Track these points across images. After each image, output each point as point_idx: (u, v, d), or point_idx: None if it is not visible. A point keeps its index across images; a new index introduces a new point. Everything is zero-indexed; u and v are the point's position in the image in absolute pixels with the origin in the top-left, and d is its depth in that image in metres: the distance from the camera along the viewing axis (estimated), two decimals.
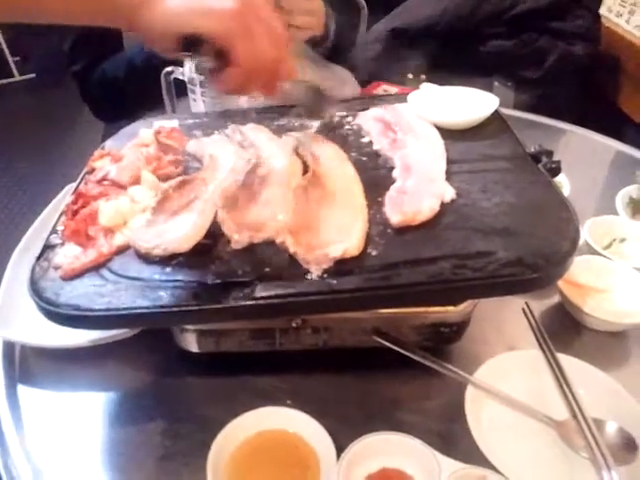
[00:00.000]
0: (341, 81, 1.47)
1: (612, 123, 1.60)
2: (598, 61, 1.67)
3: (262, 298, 0.55)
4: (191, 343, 0.69)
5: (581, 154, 1.29)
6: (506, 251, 0.58)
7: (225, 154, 0.75)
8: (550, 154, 0.74)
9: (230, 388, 0.70)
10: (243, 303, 0.55)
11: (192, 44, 0.58)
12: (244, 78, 0.59)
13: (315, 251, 0.58)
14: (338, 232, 0.61)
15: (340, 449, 0.58)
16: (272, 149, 0.76)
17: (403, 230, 0.62)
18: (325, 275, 0.57)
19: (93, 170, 0.77)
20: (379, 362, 0.70)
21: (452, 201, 0.66)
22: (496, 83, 1.68)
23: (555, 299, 0.83)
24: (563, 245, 0.58)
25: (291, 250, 0.59)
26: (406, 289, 0.55)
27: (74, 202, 0.69)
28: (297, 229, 0.60)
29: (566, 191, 0.99)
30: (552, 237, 0.59)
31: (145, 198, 0.69)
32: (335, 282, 0.56)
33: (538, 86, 1.64)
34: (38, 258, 0.64)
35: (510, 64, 1.63)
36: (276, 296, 0.55)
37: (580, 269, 0.82)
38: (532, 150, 0.75)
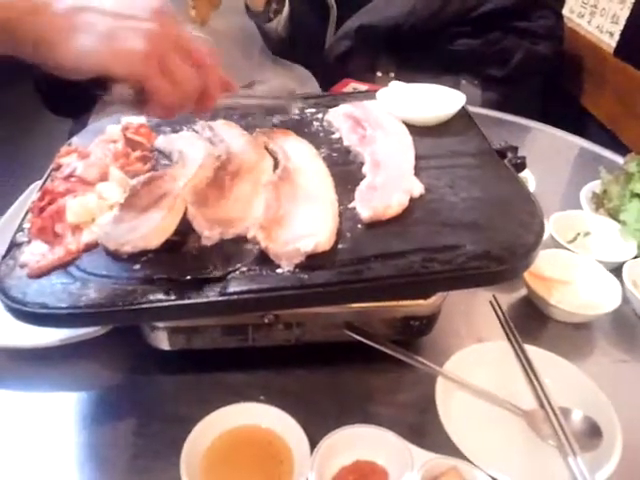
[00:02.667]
0: (301, 81, 1.48)
1: (575, 120, 1.65)
2: (561, 60, 1.71)
3: (234, 294, 0.55)
4: (162, 341, 0.68)
5: (546, 150, 1.32)
6: (473, 244, 0.59)
7: (195, 150, 0.75)
8: (515, 150, 0.76)
9: (202, 385, 0.70)
10: (215, 299, 0.55)
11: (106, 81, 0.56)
12: (166, 111, 0.57)
13: (286, 246, 0.58)
14: (309, 227, 0.61)
15: (313, 443, 0.59)
16: (242, 145, 0.76)
17: (373, 225, 0.62)
18: (297, 270, 0.57)
19: (59, 167, 0.76)
20: (351, 356, 0.71)
21: (421, 196, 0.67)
22: (463, 81, 1.70)
23: (522, 292, 0.84)
24: (528, 238, 0.60)
25: (262, 245, 0.58)
26: (377, 283, 0.56)
27: (40, 199, 0.68)
28: (268, 224, 0.60)
29: (531, 186, 1.01)
30: (518, 231, 0.61)
31: (113, 195, 0.68)
32: (306, 277, 0.56)
33: (504, 84, 1.67)
34: (4, 256, 0.63)
35: (477, 63, 1.66)
36: (248, 291, 0.56)
37: (546, 262, 0.84)
38: (498, 146, 0.77)
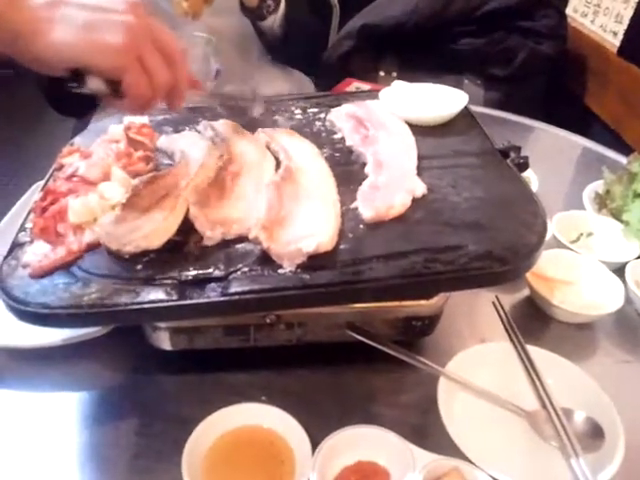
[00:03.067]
0: (299, 86, 1.48)
1: (578, 120, 1.64)
2: (565, 60, 1.70)
3: (235, 294, 0.55)
4: (164, 341, 0.68)
5: (549, 150, 1.32)
6: (476, 245, 0.59)
7: (197, 150, 0.75)
8: (518, 150, 0.76)
9: (204, 385, 0.70)
10: (216, 299, 0.55)
11: (82, 74, 0.56)
12: (139, 106, 0.58)
13: (288, 246, 0.58)
14: (311, 227, 0.61)
15: (315, 443, 0.59)
16: (244, 145, 0.76)
17: (375, 225, 0.62)
18: (298, 270, 0.57)
19: (62, 167, 0.76)
20: (353, 357, 0.71)
21: (423, 196, 0.66)
22: (466, 81, 1.70)
23: (524, 292, 0.84)
24: (531, 239, 0.60)
25: (264, 245, 0.58)
26: (379, 283, 0.56)
27: (43, 199, 0.68)
28: (270, 225, 0.60)
29: (534, 186, 1.01)
30: (520, 231, 0.61)
31: (115, 195, 0.68)
32: (308, 277, 0.56)
33: (507, 84, 1.67)
34: (6, 256, 0.63)
35: (480, 62, 1.65)
36: (250, 292, 0.55)
37: (548, 263, 0.84)
38: (501, 146, 0.77)
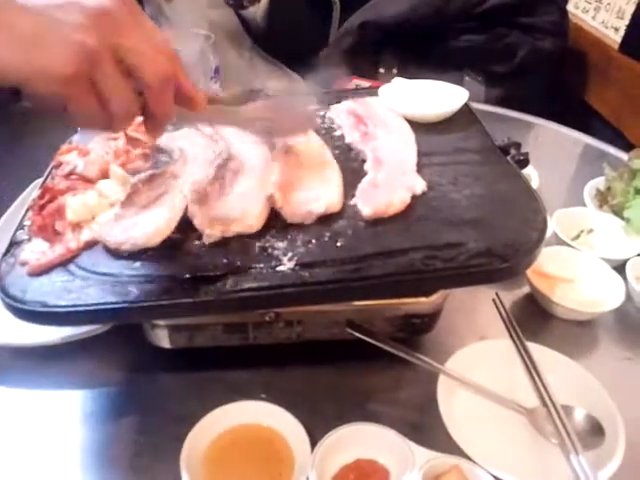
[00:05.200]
0: (306, 94, 1.47)
1: (579, 116, 1.64)
2: (566, 56, 1.69)
3: (234, 292, 0.55)
4: (163, 339, 0.68)
5: (549, 147, 1.31)
6: (476, 242, 0.58)
7: (195, 147, 0.74)
8: (518, 146, 0.75)
9: (203, 383, 0.70)
10: (214, 297, 0.55)
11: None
12: (92, 129, 0.51)
13: (300, 208, 0.62)
14: (318, 191, 0.65)
15: (314, 441, 0.59)
16: (244, 142, 0.76)
17: (375, 222, 0.62)
18: (297, 267, 0.57)
19: (60, 164, 0.75)
20: (352, 354, 0.71)
21: (423, 193, 0.66)
22: (467, 77, 1.69)
23: (525, 289, 0.84)
24: (531, 235, 0.59)
25: (278, 205, 0.62)
26: (378, 280, 0.55)
27: (41, 197, 0.67)
28: (284, 186, 0.64)
29: (535, 183, 1.01)
30: (521, 228, 0.60)
31: (114, 192, 0.68)
32: (307, 274, 0.56)
33: (508, 80, 1.66)
34: (4, 254, 0.63)
35: (480, 59, 1.64)
36: (248, 289, 0.55)
37: (549, 260, 0.83)
38: (501, 143, 0.76)
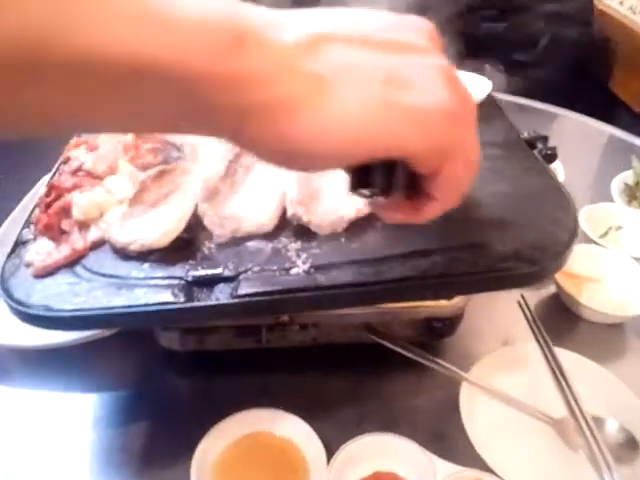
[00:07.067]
0: None
1: (605, 107, 1.58)
2: (591, 44, 1.64)
3: (245, 296, 0.52)
4: (173, 342, 0.66)
5: (574, 139, 1.26)
6: (502, 243, 0.55)
7: (207, 143, 0.71)
8: (545, 140, 0.72)
9: (215, 388, 0.67)
10: (225, 302, 0.52)
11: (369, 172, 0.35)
12: (443, 210, 0.39)
13: (328, 216, 0.58)
14: (343, 197, 0.60)
15: (330, 452, 0.56)
16: None
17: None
18: (312, 270, 0.54)
19: (69, 160, 0.73)
20: (370, 359, 0.68)
21: None
22: (487, 66, 1.65)
23: (551, 289, 0.80)
24: (561, 236, 0.56)
25: (304, 219, 0.57)
26: (398, 284, 0.52)
27: (47, 194, 0.65)
28: (305, 199, 0.59)
29: (560, 177, 0.97)
30: (549, 228, 0.57)
31: (122, 189, 0.65)
32: (323, 278, 0.53)
33: (530, 69, 1.61)
34: (9, 255, 0.60)
35: (502, 47, 1.60)
36: (261, 294, 0.52)
37: (575, 258, 0.79)
38: (526, 136, 0.72)
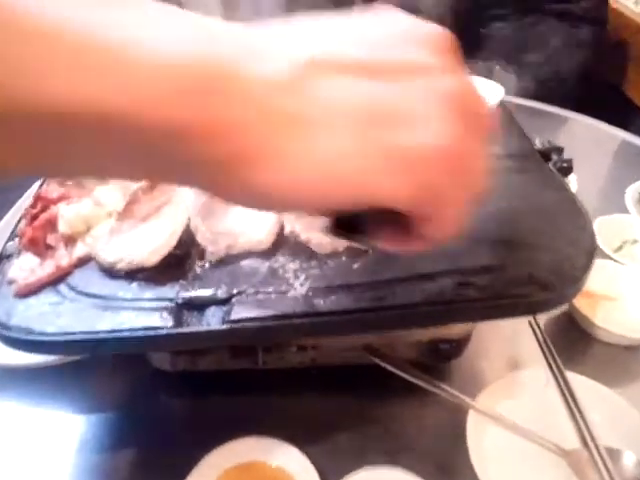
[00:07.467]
0: None
1: (618, 111, 1.54)
2: (604, 45, 1.60)
3: (239, 321, 0.49)
4: (164, 362, 0.62)
5: (585, 144, 1.22)
6: (515, 266, 0.51)
7: None
8: (560, 151, 0.68)
9: (207, 410, 0.64)
10: (217, 328, 0.49)
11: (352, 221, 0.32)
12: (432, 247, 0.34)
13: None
14: None
15: None
16: None
17: None
18: (310, 293, 0.50)
19: None
20: (371, 381, 0.64)
21: None
22: (497, 67, 1.60)
23: (564, 308, 0.76)
24: (579, 259, 0.52)
25: (303, 237, 0.54)
26: (402, 311, 0.49)
27: (33, 205, 0.62)
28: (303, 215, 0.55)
29: (573, 187, 0.93)
30: (566, 249, 0.53)
31: (112, 200, 0.62)
32: (321, 302, 0.49)
33: (541, 70, 1.57)
34: None
35: (512, 48, 1.55)
36: (255, 319, 0.49)
37: (591, 275, 0.75)
38: (541, 147, 0.69)
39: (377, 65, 0.28)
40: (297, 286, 0.51)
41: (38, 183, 0.69)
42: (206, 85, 0.25)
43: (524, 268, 0.51)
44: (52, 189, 0.63)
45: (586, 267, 0.51)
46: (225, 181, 0.28)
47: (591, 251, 0.53)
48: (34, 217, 0.61)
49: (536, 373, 0.65)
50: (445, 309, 0.49)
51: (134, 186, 0.63)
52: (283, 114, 0.26)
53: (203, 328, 0.49)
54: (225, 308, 0.50)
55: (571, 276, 0.50)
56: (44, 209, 0.61)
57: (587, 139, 1.25)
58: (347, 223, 0.32)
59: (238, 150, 0.26)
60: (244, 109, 0.26)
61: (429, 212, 0.30)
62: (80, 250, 0.56)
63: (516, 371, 0.65)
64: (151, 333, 0.49)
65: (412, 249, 0.35)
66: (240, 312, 0.49)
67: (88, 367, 0.66)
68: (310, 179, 0.27)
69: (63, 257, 0.56)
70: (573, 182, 0.93)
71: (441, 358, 0.64)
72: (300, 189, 0.27)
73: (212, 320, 0.49)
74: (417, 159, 0.28)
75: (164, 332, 0.49)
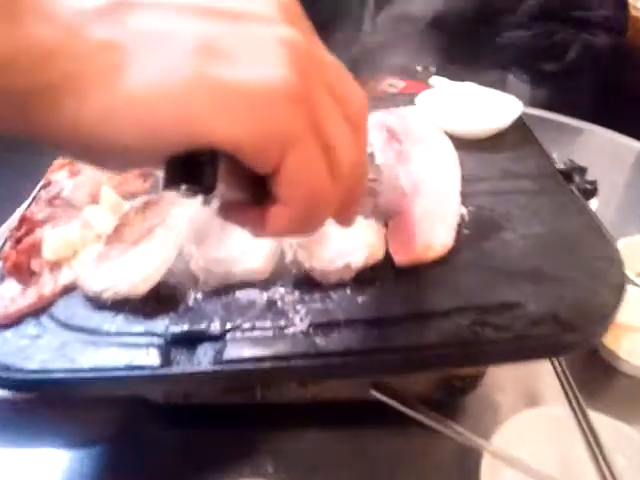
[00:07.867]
0: None
1: (638, 123, 1.48)
2: (623, 54, 1.54)
3: (232, 362, 0.44)
4: (156, 395, 0.58)
5: (604, 158, 1.16)
6: (536, 303, 0.46)
7: None
8: (583, 172, 0.63)
9: (203, 445, 0.59)
10: (208, 369, 0.44)
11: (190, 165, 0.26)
12: (297, 219, 0.29)
13: (334, 263, 0.49)
14: (353, 241, 0.51)
15: None
16: None
17: (409, 271, 0.50)
18: (310, 330, 0.46)
19: (49, 184, 0.66)
20: (376, 416, 0.59)
21: (470, 232, 0.54)
22: (511, 76, 1.56)
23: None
24: (606, 295, 0.47)
25: (306, 265, 0.50)
26: (412, 354, 0.44)
27: (18, 228, 0.58)
28: (308, 243, 0.51)
29: (593, 205, 0.88)
30: (592, 284, 0.48)
31: (102, 222, 0.58)
32: (323, 341, 0.45)
33: (557, 80, 1.52)
34: None
35: (527, 56, 1.51)
36: (249, 359, 0.44)
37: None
38: (562, 166, 0.64)
39: (205, 8, 0.26)
40: (297, 321, 0.47)
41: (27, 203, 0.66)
42: (10, 11, 0.23)
43: (546, 305, 0.46)
44: (39, 209, 0.59)
45: (615, 305, 0.47)
46: (46, 118, 0.25)
47: (620, 286, 0.48)
48: (18, 240, 0.57)
49: (555, 410, 0.60)
50: (460, 352, 0.44)
51: (127, 205, 0.59)
52: (101, 40, 0.24)
53: (193, 369, 0.45)
54: (218, 346, 0.46)
55: (599, 315, 0.46)
56: (29, 232, 0.57)
57: (605, 152, 1.20)
58: (184, 173, 0.27)
59: (56, 79, 0.24)
60: (58, 33, 0.24)
61: (276, 159, 0.27)
62: (65, 276, 0.53)
63: (534, 407, 0.60)
64: (136, 373, 0.45)
65: (264, 227, 0.30)
66: (233, 352, 0.45)
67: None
68: (131, 113, 0.24)
69: (47, 284, 0.52)
70: (593, 202, 0.88)
71: (453, 394, 0.59)
72: (121, 125, 0.25)
73: (203, 359, 0.45)
74: (255, 95, 0.25)
75: (149, 373, 0.44)
